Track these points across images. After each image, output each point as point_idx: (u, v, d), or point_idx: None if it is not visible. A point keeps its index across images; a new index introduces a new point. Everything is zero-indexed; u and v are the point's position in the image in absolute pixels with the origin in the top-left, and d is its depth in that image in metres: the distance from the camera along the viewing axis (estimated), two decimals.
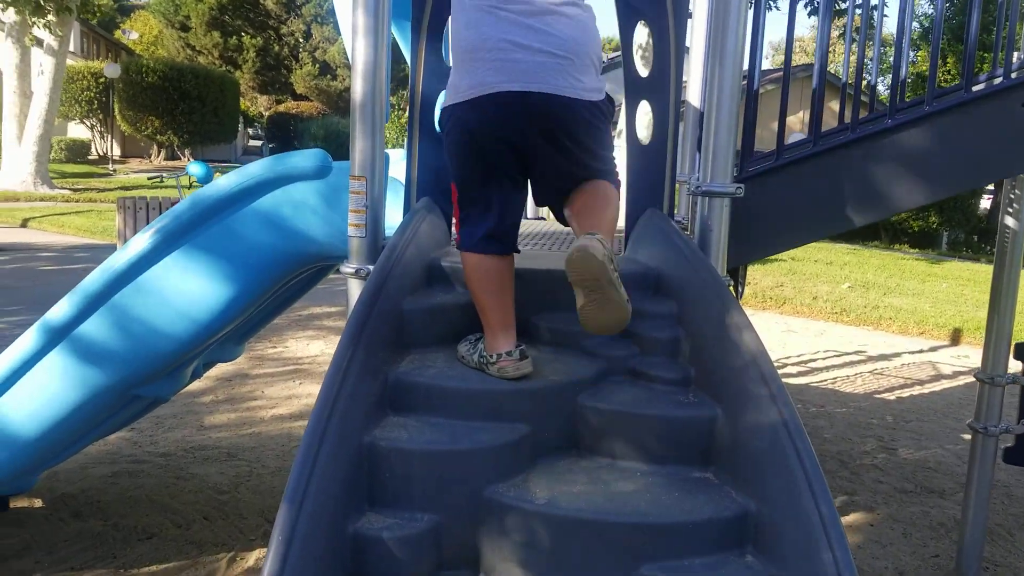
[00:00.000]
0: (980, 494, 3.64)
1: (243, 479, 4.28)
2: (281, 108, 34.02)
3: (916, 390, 6.88)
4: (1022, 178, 3.41)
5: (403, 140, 2.68)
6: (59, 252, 11.43)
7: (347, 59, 2.50)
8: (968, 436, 3.67)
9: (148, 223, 2.99)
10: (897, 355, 8.09)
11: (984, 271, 12.80)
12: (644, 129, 2.67)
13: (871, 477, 4.82)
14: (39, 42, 18.90)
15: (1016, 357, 3.60)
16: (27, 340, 2.89)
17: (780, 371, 7.14)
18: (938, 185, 2.91)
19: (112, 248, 9.29)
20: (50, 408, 2.91)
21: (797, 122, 13.72)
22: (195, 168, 12.70)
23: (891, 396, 6.65)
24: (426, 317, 2.18)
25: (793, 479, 1.63)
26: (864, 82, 3.24)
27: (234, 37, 34.98)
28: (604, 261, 1.81)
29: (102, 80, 25.45)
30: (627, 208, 2.67)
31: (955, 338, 8.83)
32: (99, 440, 4.09)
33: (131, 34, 39.54)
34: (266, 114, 35.93)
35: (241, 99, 32.05)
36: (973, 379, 3.71)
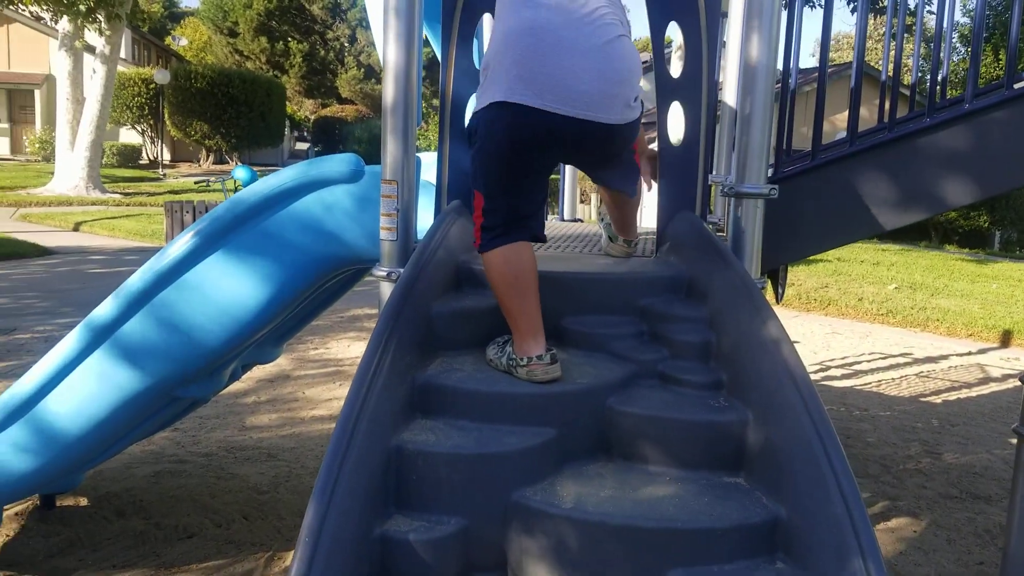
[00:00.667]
0: None
1: (282, 479, 4.33)
2: (326, 112, 34.43)
3: (963, 393, 6.73)
4: None
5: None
6: (109, 255, 11.68)
7: None
8: (1015, 441, 3.57)
9: None
10: (944, 357, 7.92)
11: None
12: (676, 131, 2.65)
13: (915, 482, 4.72)
14: (91, 48, 19.32)
15: None
16: (71, 340, 2.96)
17: (824, 373, 7.06)
18: (980, 184, 2.84)
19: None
20: (93, 407, 2.97)
21: (844, 120, 13.48)
22: (240, 172, 12.91)
23: (937, 399, 6.51)
24: (455, 320, 2.18)
25: (824, 485, 1.60)
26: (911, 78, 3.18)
27: (281, 42, 35.47)
28: None
29: (152, 86, 25.97)
30: (659, 210, 2.65)
31: (1005, 340, 8.62)
32: (142, 440, 4.17)
33: (181, 40, 40.22)
34: (312, 118, 36.35)
35: (288, 103, 32.49)
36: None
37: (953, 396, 6.62)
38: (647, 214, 3.18)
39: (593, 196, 15.80)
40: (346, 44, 36.15)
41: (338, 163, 2.81)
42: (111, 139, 25.77)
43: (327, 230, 2.83)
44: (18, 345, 6.72)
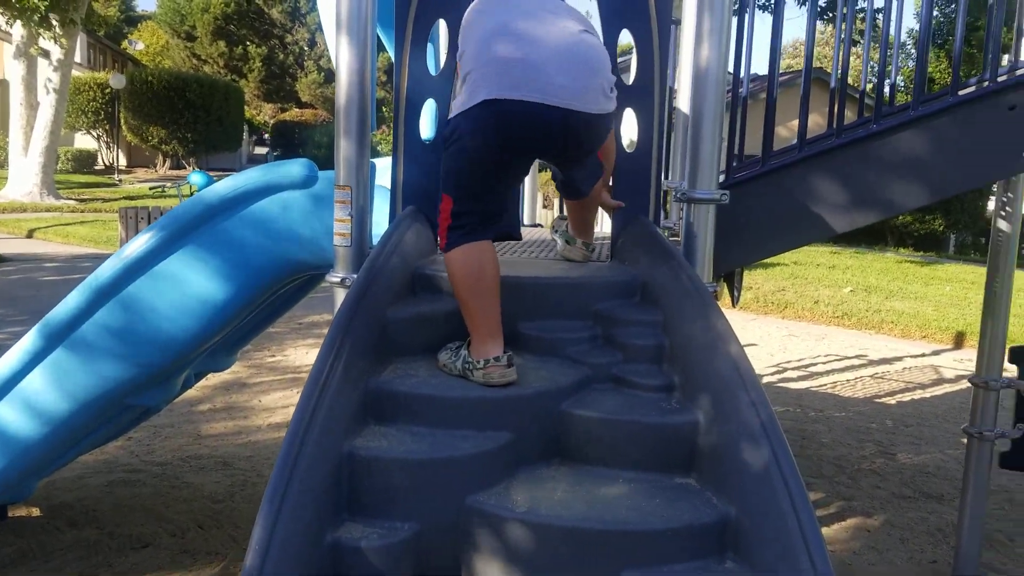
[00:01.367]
0: (976, 499, 3.61)
1: (238, 488, 4.29)
2: (286, 116, 34.10)
3: (917, 394, 6.85)
4: (1014, 181, 3.40)
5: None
6: (63, 262, 11.47)
7: None
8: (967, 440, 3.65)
9: None
10: (899, 359, 8.06)
11: None
12: (629, 136, 2.68)
13: (869, 482, 4.80)
14: (45, 53, 18.99)
15: (1011, 361, 3.59)
16: (28, 340, 2.93)
17: (780, 375, 7.14)
18: (928, 188, 2.90)
19: None
20: (49, 411, 2.95)
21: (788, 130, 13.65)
22: (196, 178, 12.82)
23: (891, 400, 6.63)
24: (409, 326, 2.18)
25: (771, 484, 1.62)
26: (869, 86, 3.24)
27: (240, 46, 35.10)
28: None
29: (108, 91, 25.56)
30: (614, 216, 2.68)
31: (958, 341, 8.79)
32: (95, 450, 4.10)
33: (137, 44, 39.71)
34: (271, 122, 36.03)
35: (246, 107, 32.15)
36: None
37: (907, 397, 6.74)
38: (603, 219, 3.20)
39: (556, 202, 15.85)
40: (306, 48, 35.88)
41: (292, 168, 2.81)
42: (66, 144, 25.32)
43: (283, 234, 2.83)
44: None
